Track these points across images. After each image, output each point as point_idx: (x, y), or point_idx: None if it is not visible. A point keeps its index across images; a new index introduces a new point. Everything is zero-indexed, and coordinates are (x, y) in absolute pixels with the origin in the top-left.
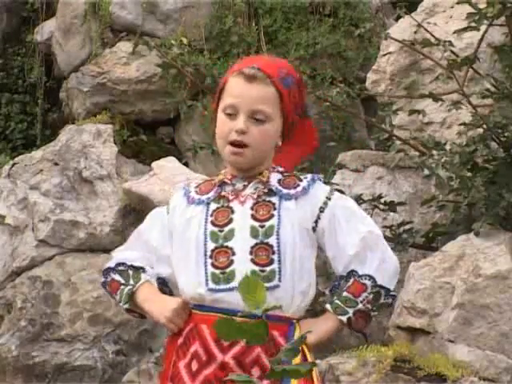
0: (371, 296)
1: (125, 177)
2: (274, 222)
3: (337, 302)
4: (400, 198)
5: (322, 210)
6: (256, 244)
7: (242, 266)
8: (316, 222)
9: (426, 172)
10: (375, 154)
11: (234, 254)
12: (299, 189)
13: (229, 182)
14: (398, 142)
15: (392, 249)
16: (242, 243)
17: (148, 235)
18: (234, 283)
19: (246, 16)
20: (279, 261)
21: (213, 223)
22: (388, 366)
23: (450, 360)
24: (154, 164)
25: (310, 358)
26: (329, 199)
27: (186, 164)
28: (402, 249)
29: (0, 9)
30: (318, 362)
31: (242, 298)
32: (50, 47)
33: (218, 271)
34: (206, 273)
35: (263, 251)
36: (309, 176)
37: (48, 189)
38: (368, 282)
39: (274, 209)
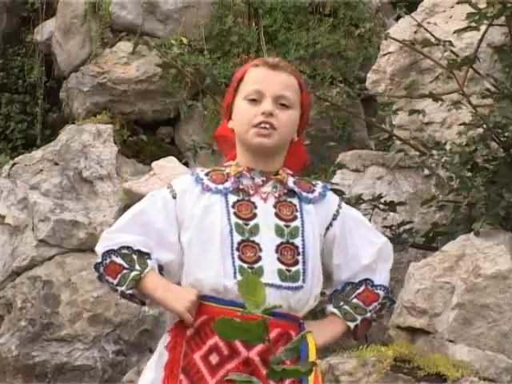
0: (379, 306)
1: (125, 177)
2: (298, 223)
3: (346, 307)
4: (400, 198)
5: (334, 217)
6: (282, 243)
7: (270, 263)
8: (327, 228)
9: (426, 172)
10: (375, 154)
11: (260, 249)
12: (316, 194)
13: (247, 174)
14: (398, 142)
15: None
16: (267, 240)
17: (150, 218)
18: (262, 279)
19: (246, 16)
20: (304, 262)
21: (236, 215)
22: (388, 366)
23: (450, 360)
24: (153, 164)
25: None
26: (340, 207)
27: (186, 164)
28: (402, 249)
29: (0, 9)
30: (317, 362)
31: (242, 297)
32: (50, 47)
33: (245, 265)
34: (233, 265)
35: (288, 251)
36: (319, 182)
37: (48, 189)
38: (381, 293)
39: (296, 210)
